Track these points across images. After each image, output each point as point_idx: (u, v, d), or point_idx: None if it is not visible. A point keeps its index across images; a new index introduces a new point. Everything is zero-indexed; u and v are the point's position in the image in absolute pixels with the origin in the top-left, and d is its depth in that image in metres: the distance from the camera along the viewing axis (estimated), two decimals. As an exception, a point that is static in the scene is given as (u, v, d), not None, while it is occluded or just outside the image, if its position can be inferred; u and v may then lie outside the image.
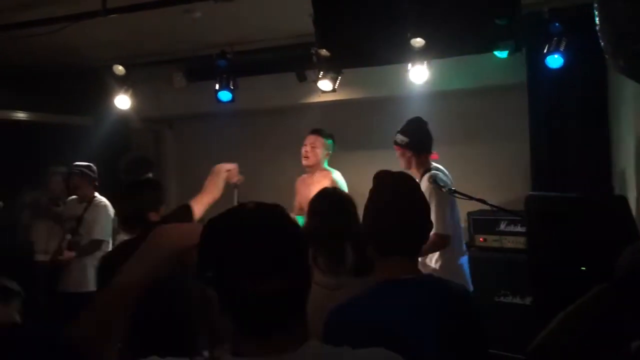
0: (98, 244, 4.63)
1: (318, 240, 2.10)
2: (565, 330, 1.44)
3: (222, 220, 1.09)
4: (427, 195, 3.04)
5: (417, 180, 3.21)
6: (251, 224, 1.05)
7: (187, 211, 2.82)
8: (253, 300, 0.98)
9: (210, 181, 2.98)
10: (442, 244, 3.37)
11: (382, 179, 1.67)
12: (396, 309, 1.47)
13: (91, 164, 4.86)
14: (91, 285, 4.51)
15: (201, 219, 3.17)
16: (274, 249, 1.01)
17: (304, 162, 4.30)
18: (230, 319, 1.02)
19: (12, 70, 5.37)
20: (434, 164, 3.69)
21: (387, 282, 1.58)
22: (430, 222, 1.71)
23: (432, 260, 3.55)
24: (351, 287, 1.81)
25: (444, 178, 3.55)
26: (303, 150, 4.30)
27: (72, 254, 4.65)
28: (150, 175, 4.71)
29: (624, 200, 2.12)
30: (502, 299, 4.31)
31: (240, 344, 1.02)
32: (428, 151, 3.64)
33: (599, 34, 2.09)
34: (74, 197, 4.91)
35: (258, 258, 1.00)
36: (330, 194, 2.39)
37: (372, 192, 1.66)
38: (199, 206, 2.90)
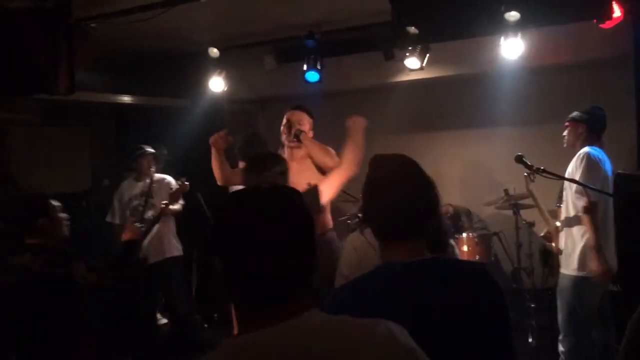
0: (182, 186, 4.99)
1: None
2: None
3: (237, 199, 1.20)
4: (575, 165, 3.44)
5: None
6: (261, 205, 1.14)
7: (314, 191, 3.07)
8: (256, 274, 1.09)
9: (350, 139, 3.20)
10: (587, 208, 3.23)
11: (376, 162, 1.58)
12: (389, 292, 1.40)
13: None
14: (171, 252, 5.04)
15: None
16: (279, 231, 1.10)
17: (291, 143, 3.59)
18: (234, 289, 1.13)
19: (115, 56, 5.72)
20: (595, 147, 3.61)
21: (382, 266, 1.49)
22: (433, 204, 1.54)
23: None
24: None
25: (592, 159, 3.42)
26: (284, 128, 3.63)
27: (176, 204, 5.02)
28: None
29: None
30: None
31: (244, 315, 1.13)
32: (598, 132, 3.69)
33: None
34: (127, 180, 5.22)
35: (263, 238, 1.09)
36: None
37: (366, 177, 1.58)
38: (329, 184, 3.13)
